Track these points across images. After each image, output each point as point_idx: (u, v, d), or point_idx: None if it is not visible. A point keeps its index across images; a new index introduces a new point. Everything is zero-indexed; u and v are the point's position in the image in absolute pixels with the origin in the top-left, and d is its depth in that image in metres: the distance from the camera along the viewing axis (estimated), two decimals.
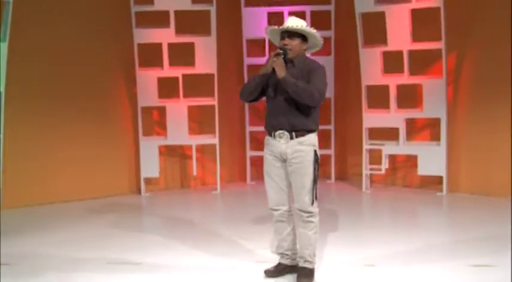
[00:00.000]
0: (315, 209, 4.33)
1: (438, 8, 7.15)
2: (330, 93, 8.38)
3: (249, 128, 8.63)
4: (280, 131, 4.28)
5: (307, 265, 4.38)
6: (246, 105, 8.56)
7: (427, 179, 7.82)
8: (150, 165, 7.86)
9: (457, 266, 4.64)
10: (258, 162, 8.85)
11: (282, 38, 4.30)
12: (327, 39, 8.27)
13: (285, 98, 4.24)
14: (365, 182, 7.90)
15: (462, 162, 7.53)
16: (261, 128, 8.39)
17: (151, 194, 7.96)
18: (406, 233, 5.73)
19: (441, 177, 7.49)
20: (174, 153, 8.33)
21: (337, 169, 8.71)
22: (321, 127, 8.22)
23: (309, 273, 4.37)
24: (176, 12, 7.62)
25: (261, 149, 8.42)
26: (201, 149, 8.24)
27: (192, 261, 4.97)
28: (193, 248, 5.32)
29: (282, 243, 4.50)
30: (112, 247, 5.42)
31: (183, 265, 4.86)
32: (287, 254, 4.51)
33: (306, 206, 4.29)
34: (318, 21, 8.20)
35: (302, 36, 4.29)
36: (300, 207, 4.32)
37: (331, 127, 8.54)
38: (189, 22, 7.79)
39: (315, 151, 4.29)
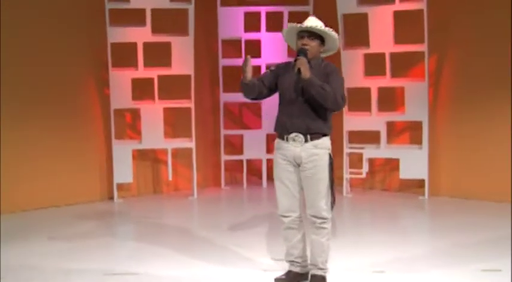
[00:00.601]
0: (329, 215, 4.26)
1: (421, 11, 7.21)
2: None
3: (223, 132, 8.49)
4: (295, 134, 4.20)
5: (320, 272, 4.31)
6: (221, 108, 8.43)
7: (406, 183, 7.87)
8: (124, 170, 7.63)
9: (466, 270, 4.65)
10: (232, 167, 8.74)
11: (301, 38, 4.22)
12: None
13: (303, 100, 4.17)
14: (345, 186, 7.89)
15: (442, 166, 7.61)
16: (236, 132, 8.63)
17: (124, 200, 7.72)
18: (403, 238, 5.73)
19: (421, 181, 7.55)
20: (146, 158, 8.12)
21: None
22: None
23: (322, 280, 4.31)
24: (153, 11, 7.42)
25: (235, 153, 8.73)
26: (174, 153, 8.05)
27: (193, 270, 4.81)
28: (190, 257, 5.16)
29: (292, 251, 4.41)
30: (103, 257, 5.20)
31: (185, 275, 4.69)
32: (298, 262, 4.43)
33: (321, 211, 4.22)
34: (295, 22, 8.16)
35: (321, 38, 4.23)
36: (314, 213, 4.25)
37: None
38: (165, 21, 7.63)
39: (330, 155, 4.23)
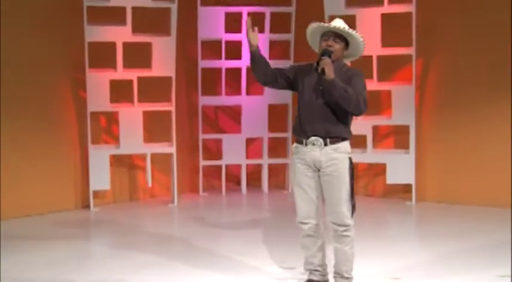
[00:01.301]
0: (351, 221, 4.20)
1: (409, 13, 7.27)
2: (287, 99, 8.31)
3: (201, 136, 8.34)
4: (314, 138, 4.14)
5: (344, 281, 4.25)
6: (200, 111, 8.27)
7: (390, 188, 7.90)
8: (100, 177, 7.36)
9: (484, 277, 4.66)
10: (208, 173, 8.59)
11: (325, 39, 4.18)
12: (286, 43, 8.27)
13: (322, 103, 4.12)
14: None
15: (428, 170, 7.67)
16: (215, 136, 8.49)
17: (100, 208, 7.46)
18: (408, 244, 5.73)
19: (406, 186, 7.60)
20: (121, 163, 7.87)
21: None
22: (278, 135, 8.43)
23: None
24: (133, 9, 7.22)
25: (212, 158, 8.56)
26: (144, 158, 7.81)
27: (202, 280, 4.66)
28: (193, 267, 5.01)
29: (312, 259, 4.33)
30: (95, 268, 4.99)
31: None
32: (318, 270, 4.34)
33: (343, 218, 4.16)
34: (278, 23, 8.17)
35: (345, 41, 4.19)
36: (334, 221, 4.18)
37: (288, 135, 8.44)
38: (146, 20, 7.43)
39: (350, 159, 4.19)
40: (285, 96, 8.29)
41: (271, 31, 8.11)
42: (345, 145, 4.18)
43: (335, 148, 4.14)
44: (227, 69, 8.21)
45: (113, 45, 7.23)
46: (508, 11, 7.01)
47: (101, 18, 7.19)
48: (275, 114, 8.45)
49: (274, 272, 4.86)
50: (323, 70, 4.02)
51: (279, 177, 8.77)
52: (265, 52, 8.06)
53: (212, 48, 8.30)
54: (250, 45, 4.17)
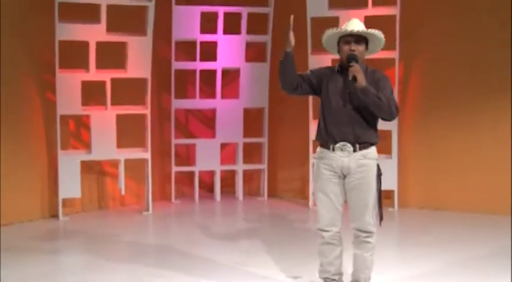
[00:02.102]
0: (374, 229, 4.19)
1: (393, 16, 7.32)
2: (264, 102, 8.25)
3: (174, 141, 8.16)
4: (342, 143, 4.10)
5: None
6: (172, 115, 8.10)
7: None
8: (71, 184, 7.10)
9: None
10: (180, 180, 8.42)
11: (346, 43, 4.15)
12: (263, 45, 8.21)
13: (351, 108, 4.10)
14: (311, 198, 7.81)
15: (411, 176, 7.73)
16: (188, 141, 8.32)
17: (69, 217, 7.18)
18: (390, 253, 5.70)
19: (389, 192, 7.58)
20: (90, 170, 7.62)
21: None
22: (253, 140, 8.34)
23: None
24: (108, 7, 7.00)
25: (182, 164, 8.38)
26: (116, 164, 7.60)
27: None
28: (199, 277, 4.86)
29: (329, 268, 4.29)
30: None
31: None
32: (334, 279, 4.31)
33: (367, 225, 4.16)
34: (254, 24, 8.10)
35: (366, 42, 4.18)
36: (359, 227, 4.18)
37: (265, 140, 8.38)
38: (122, 19, 7.22)
39: (378, 165, 4.18)
40: (261, 100, 8.24)
41: (248, 32, 8.04)
42: (373, 151, 4.19)
43: (364, 154, 4.13)
44: (201, 71, 8.07)
45: (85, 44, 7.00)
46: (488, 14, 7.17)
47: (73, 15, 6.95)
48: (251, 118, 8.38)
49: (284, 281, 4.77)
50: (354, 78, 4.00)
51: (253, 184, 8.70)
52: (241, 53, 8.01)
53: (185, 49, 8.16)
54: (288, 45, 4.07)
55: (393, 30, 7.34)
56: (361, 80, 4.00)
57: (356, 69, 4.02)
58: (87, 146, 7.33)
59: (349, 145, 4.11)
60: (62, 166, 7.05)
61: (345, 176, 4.16)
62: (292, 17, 4.14)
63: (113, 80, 7.19)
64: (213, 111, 8.27)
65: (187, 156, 8.65)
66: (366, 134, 4.13)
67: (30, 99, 7.07)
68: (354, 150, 4.11)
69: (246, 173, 8.47)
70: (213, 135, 8.27)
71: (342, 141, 4.11)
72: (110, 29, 7.06)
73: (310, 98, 7.66)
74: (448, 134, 7.50)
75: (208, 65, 8.07)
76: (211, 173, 8.45)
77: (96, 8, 6.98)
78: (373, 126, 4.18)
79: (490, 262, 5.33)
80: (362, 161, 4.12)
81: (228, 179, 8.61)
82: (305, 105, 7.82)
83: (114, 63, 7.22)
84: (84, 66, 7.07)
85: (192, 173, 8.31)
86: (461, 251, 5.69)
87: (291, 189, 8.54)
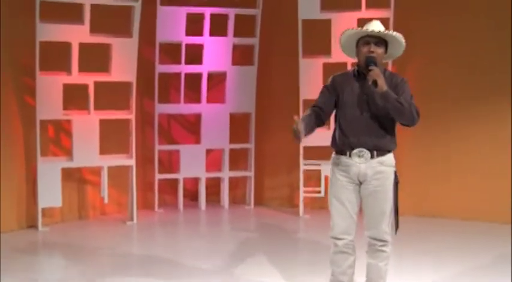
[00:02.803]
0: (390, 238, 4.16)
1: (387, 19, 7.31)
2: (250, 107, 8.18)
3: (157, 147, 8.02)
4: (359, 149, 4.07)
5: None
6: (156, 120, 7.97)
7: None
8: (51, 193, 6.92)
9: None
10: (162, 188, 8.28)
11: (365, 44, 4.07)
12: (250, 48, 8.14)
13: (369, 116, 4.07)
14: (301, 206, 7.76)
15: (405, 183, 7.58)
16: (171, 147, 8.19)
17: (49, 228, 6.99)
18: (407, 262, 5.69)
19: None
20: (70, 178, 7.42)
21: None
22: (239, 146, 8.25)
23: None
24: (93, 7, 6.86)
25: (166, 171, 8.23)
26: (97, 171, 7.45)
27: None
28: None
29: (341, 277, 4.23)
30: None
31: None
32: None
33: (383, 234, 4.14)
34: (241, 26, 8.03)
35: (385, 44, 4.12)
36: (373, 235, 4.15)
37: (251, 146, 8.30)
38: (106, 20, 7.09)
39: (395, 173, 4.15)
40: (247, 105, 8.17)
41: (235, 34, 7.96)
42: (391, 157, 4.17)
43: (381, 161, 4.10)
44: (186, 75, 7.97)
45: (67, 45, 6.85)
46: (485, 15, 7.22)
47: (55, 15, 6.78)
48: (237, 123, 8.29)
49: None
50: (375, 82, 3.95)
51: (239, 191, 8.61)
52: (227, 56, 7.94)
53: (170, 51, 8.05)
54: (297, 137, 3.96)
55: None
56: (382, 85, 3.96)
57: (376, 73, 3.96)
58: (68, 152, 7.17)
59: (366, 151, 4.08)
60: (41, 174, 6.88)
61: (360, 183, 4.13)
62: (297, 120, 3.90)
63: (96, 84, 7.05)
64: (198, 117, 8.16)
65: (168, 163, 8.52)
66: (384, 141, 4.11)
67: (8, 103, 6.85)
68: (371, 157, 4.08)
69: (231, 181, 8.37)
70: (198, 141, 8.16)
71: (359, 147, 4.08)
72: (94, 29, 6.91)
73: (301, 102, 7.61)
74: (445, 138, 7.50)
75: (193, 68, 7.97)
76: (195, 181, 8.33)
77: (79, 7, 6.83)
78: (391, 132, 4.14)
79: (495, 271, 5.34)
80: (379, 168, 4.09)
81: (212, 186, 8.49)
82: (294, 110, 7.74)
83: (98, 66, 7.09)
84: (66, 68, 6.91)
85: (174, 181, 8.19)
86: (464, 261, 5.69)
87: (278, 197, 8.47)
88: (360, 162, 4.09)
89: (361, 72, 4.12)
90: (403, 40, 4.13)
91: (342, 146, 4.15)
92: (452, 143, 7.48)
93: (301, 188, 7.74)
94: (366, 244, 4.21)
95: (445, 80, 7.47)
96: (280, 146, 8.29)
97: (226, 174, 8.25)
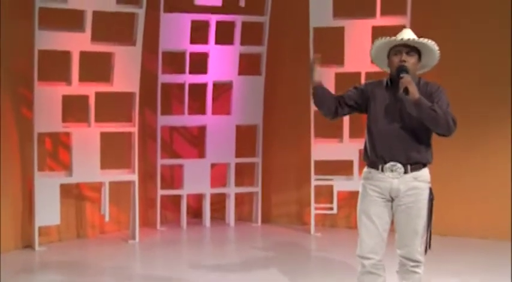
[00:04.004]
0: (423, 258, 4.13)
1: (403, 27, 7.27)
2: (258, 119, 8.16)
3: (160, 161, 7.97)
4: (392, 163, 4.05)
5: None
6: (158, 133, 7.92)
7: None
8: (48, 210, 6.85)
9: None
10: (163, 204, 8.22)
11: (397, 54, 4.08)
12: (257, 56, 8.13)
13: (402, 126, 4.05)
14: (313, 224, 7.70)
15: None
16: (174, 161, 8.14)
17: (46, 247, 6.90)
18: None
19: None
20: (68, 194, 7.34)
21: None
22: (246, 160, 8.21)
23: None
24: (94, 14, 6.82)
25: (169, 187, 8.18)
26: (96, 187, 7.37)
27: None
28: None
29: None
30: None
31: None
32: None
33: (415, 253, 4.11)
34: (249, 34, 8.03)
35: (418, 53, 4.13)
36: (406, 255, 4.12)
37: (258, 160, 8.25)
38: (108, 27, 7.08)
39: (430, 189, 4.13)
40: (254, 116, 8.14)
41: (242, 43, 7.95)
42: (426, 173, 4.14)
43: (416, 176, 4.07)
44: (190, 85, 7.93)
45: (67, 54, 6.82)
46: (507, 23, 7.20)
47: (54, 22, 6.75)
48: (243, 136, 8.26)
49: None
50: (406, 90, 3.93)
51: (245, 208, 8.57)
52: (233, 66, 7.95)
53: (173, 60, 8.03)
54: (313, 81, 4.12)
55: None
56: (414, 92, 3.93)
57: (407, 80, 3.94)
58: (66, 167, 7.10)
59: (399, 166, 4.05)
60: (38, 190, 6.79)
61: (392, 199, 4.11)
62: (318, 56, 4.18)
63: (97, 94, 7.01)
64: (203, 129, 8.13)
65: (170, 178, 8.47)
66: (419, 154, 4.07)
67: (4, 115, 6.76)
68: (405, 172, 4.05)
69: (237, 197, 8.32)
70: (202, 155, 8.13)
71: (392, 161, 4.06)
72: (95, 37, 6.88)
73: (312, 114, 7.57)
74: (460, 153, 7.46)
75: (198, 78, 7.95)
76: (199, 197, 8.28)
77: (80, 14, 6.79)
78: (427, 145, 4.12)
79: None
80: (413, 184, 4.06)
81: (218, 203, 8.45)
82: (304, 123, 7.74)
83: (99, 76, 7.06)
84: (66, 78, 6.88)
85: (176, 197, 8.13)
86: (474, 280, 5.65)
87: (286, 214, 8.42)
88: (393, 177, 4.06)
89: (393, 82, 4.11)
90: (436, 47, 4.12)
91: (373, 160, 4.12)
92: (468, 158, 7.44)
93: (313, 205, 7.67)
94: (397, 264, 4.18)
95: (465, 90, 7.38)
96: (288, 160, 8.28)
97: (232, 190, 8.20)
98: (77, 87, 6.90)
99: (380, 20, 7.33)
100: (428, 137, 4.11)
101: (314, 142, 7.64)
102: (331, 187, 7.66)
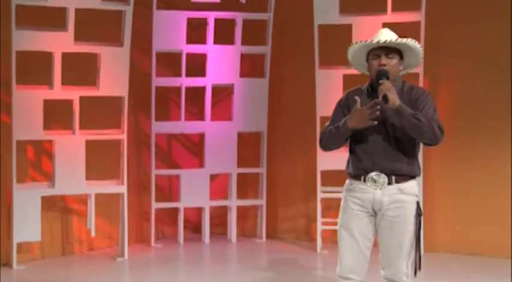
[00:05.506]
0: (409, 280, 4.01)
1: (417, 23, 7.11)
2: (261, 126, 8.04)
3: (154, 172, 7.83)
4: (375, 173, 3.97)
5: None
6: (153, 141, 7.82)
7: None
8: (28, 226, 6.74)
9: None
10: (159, 218, 8.09)
11: (375, 57, 4.01)
12: (261, 57, 8.02)
13: (384, 135, 3.98)
14: (319, 240, 7.50)
15: (438, 215, 7.48)
16: (170, 172, 8.01)
17: (26, 266, 6.78)
18: None
19: None
20: (52, 207, 7.27)
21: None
22: (249, 170, 8.06)
23: None
24: (77, 12, 6.76)
25: (165, 199, 8.05)
26: (83, 199, 7.24)
27: None
28: None
29: None
30: None
31: None
32: None
33: (400, 275, 4.01)
34: (251, 33, 7.93)
35: (399, 54, 4.05)
36: (390, 276, 4.03)
37: (262, 170, 8.10)
38: (92, 26, 7.01)
39: (418, 203, 4.02)
40: (258, 123, 8.04)
41: (243, 42, 7.86)
42: (413, 185, 4.05)
43: (401, 188, 3.99)
44: (187, 89, 7.81)
45: (48, 55, 6.76)
46: None
47: (34, 21, 6.71)
48: (246, 144, 8.19)
49: None
50: (385, 97, 3.84)
51: (248, 223, 8.46)
52: (234, 67, 7.91)
53: (168, 62, 7.99)
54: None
55: (417, 39, 7.00)
56: (394, 99, 3.85)
57: (386, 87, 3.87)
58: (49, 178, 7.03)
59: (383, 176, 3.97)
60: (17, 202, 6.69)
61: (376, 214, 4.02)
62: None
63: (82, 99, 6.95)
64: (201, 136, 8.05)
65: (168, 190, 8.38)
66: (404, 165, 4.00)
67: None
68: (389, 183, 3.97)
69: (240, 210, 8.20)
70: (201, 165, 8.05)
71: (375, 171, 3.98)
72: (79, 37, 6.82)
73: (318, 122, 7.39)
74: (485, 164, 7.26)
75: (195, 81, 7.88)
76: (199, 210, 8.17)
77: (61, 12, 6.72)
78: (413, 155, 4.03)
79: None
80: (398, 196, 3.97)
81: (219, 217, 8.35)
82: (311, 130, 7.55)
83: (84, 79, 7.02)
84: (47, 82, 6.81)
85: (174, 210, 8.03)
86: None
87: (293, 230, 8.30)
88: (376, 187, 3.98)
89: (374, 89, 4.02)
90: (417, 45, 4.06)
91: (356, 171, 4.06)
92: (494, 170, 7.21)
93: (319, 219, 7.51)
94: None
95: (486, 93, 7.19)
96: (296, 170, 8.18)
97: (233, 202, 8.10)
98: (59, 91, 6.84)
99: (391, 17, 7.17)
100: (414, 146, 4.05)
101: (320, 151, 7.41)
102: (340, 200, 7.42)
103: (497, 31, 7.11)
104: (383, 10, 7.18)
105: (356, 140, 4.06)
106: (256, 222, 8.24)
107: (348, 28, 7.21)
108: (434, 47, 7.28)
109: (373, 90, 4.03)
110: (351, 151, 4.10)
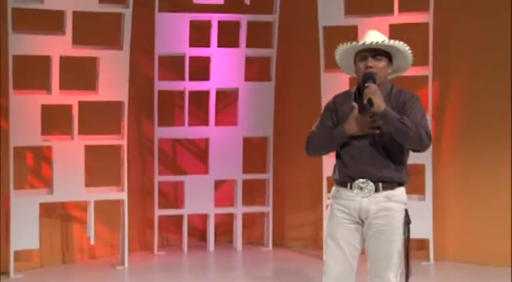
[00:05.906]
0: None
1: (425, 24, 7.03)
2: (267, 130, 8.00)
3: (157, 178, 7.80)
4: (362, 180, 3.92)
5: None
6: (156, 146, 7.79)
7: None
8: (26, 233, 6.73)
9: None
10: (163, 225, 8.06)
11: (362, 59, 3.98)
12: (266, 60, 7.98)
13: (370, 140, 3.94)
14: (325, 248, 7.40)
15: (448, 222, 7.38)
16: (173, 178, 7.97)
17: (24, 274, 6.76)
18: None
19: (422, 241, 7.25)
20: (52, 214, 7.26)
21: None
22: (255, 176, 8.01)
23: None
24: (75, 14, 6.76)
25: (168, 205, 8.01)
26: (84, 206, 7.19)
27: None
28: None
29: None
30: None
31: None
32: None
33: None
34: (256, 35, 7.88)
35: (388, 56, 4.00)
36: None
37: (269, 176, 8.04)
38: (90, 29, 7.02)
39: (406, 211, 3.99)
40: (263, 128, 7.98)
41: (248, 45, 7.81)
42: (401, 192, 4.01)
43: (388, 196, 3.95)
44: (191, 93, 7.78)
45: (46, 59, 6.76)
46: None
47: (31, 24, 6.73)
48: (252, 150, 8.13)
49: None
50: (370, 101, 3.79)
51: (254, 230, 8.40)
52: (239, 71, 7.86)
53: (171, 65, 7.95)
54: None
55: (425, 41, 7.05)
56: (379, 103, 3.81)
57: (372, 90, 3.83)
58: (48, 184, 7.02)
59: (370, 183, 3.93)
60: (15, 209, 6.68)
61: (363, 222, 3.96)
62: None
63: (81, 104, 6.95)
64: (206, 142, 8.01)
65: (173, 196, 8.34)
66: (391, 171, 3.95)
67: None
68: (376, 190, 3.92)
69: (246, 217, 8.14)
70: (206, 171, 7.99)
71: (361, 178, 3.94)
72: (77, 41, 6.83)
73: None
74: (497, 169, 7.13)
75: (199, 85, 7.85)
76: (204, 217, 8.13)
77: (59, 15, 6.73)
78: (401, 161, 3.99)
79: None
80: (385, 204, 3.93)
81: (224, 224, 8.30)
82: None
83: (82, 83, 7.02)
84: (45, 86, 6.82)
85: (179, 217, 7.99)
86: None
87: (301, 238, 8.22)
88: (363, 195, 3.94)
89: (361, 92, 3.96)
90: (406, 48, 4.02)
91: (342, 177, 4.02)
92: (506, 175, 7.08)
93: (325, 227, 7.37)
94: None
95: (497, 96, 7.09)
96: (303, 176, 8.08)
97: (239, 209, 8.04)
98: (57, 96, 6.84)
99: (398, 18, 7.10)
100: (403, 153, 4.00)
101: (326, 156, 7.34)
102: None
103: (508, 32, 6.99)
104: (390, 11, 7.10)
105: (342, 145, 4.02)
106: (263, 230, 8.18)
107: (354, 30, 7.12)
108: (443, 48, 7.22)
109: (360, 94, 3.96)
110: (338, 157, 4.06)
